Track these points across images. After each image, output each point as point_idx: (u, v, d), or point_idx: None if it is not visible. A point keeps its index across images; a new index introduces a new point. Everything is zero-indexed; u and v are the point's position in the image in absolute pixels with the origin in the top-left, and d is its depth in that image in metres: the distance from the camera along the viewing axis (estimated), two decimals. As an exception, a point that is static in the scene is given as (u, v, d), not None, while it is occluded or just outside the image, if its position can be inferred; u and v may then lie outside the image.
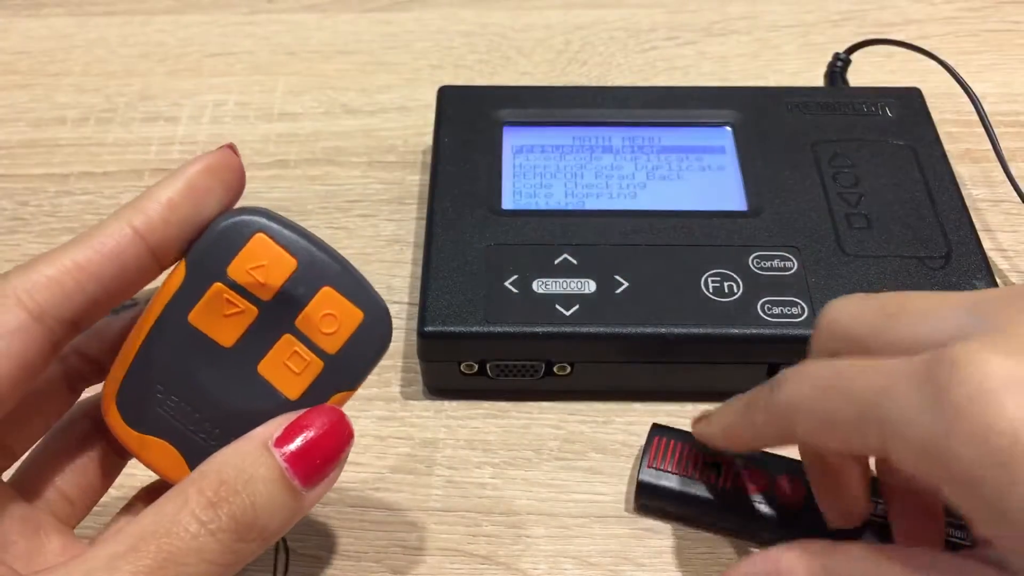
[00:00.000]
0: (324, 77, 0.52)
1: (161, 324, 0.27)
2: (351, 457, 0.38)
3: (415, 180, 0.47)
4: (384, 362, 0.41)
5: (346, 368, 0.28)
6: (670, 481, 0.35)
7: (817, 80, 0.50)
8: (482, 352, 0.38)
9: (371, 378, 0.40)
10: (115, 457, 0.30)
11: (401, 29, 0.54)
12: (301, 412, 0.26)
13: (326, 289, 0.27)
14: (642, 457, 0.35)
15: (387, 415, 0.40)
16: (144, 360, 0.27)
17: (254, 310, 0.27)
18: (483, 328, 0.37)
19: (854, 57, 0.49)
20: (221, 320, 0.27)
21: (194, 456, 0.27)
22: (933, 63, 0.47)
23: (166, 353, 0.27)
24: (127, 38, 0.54)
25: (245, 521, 0.25)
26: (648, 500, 0.35)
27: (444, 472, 0.38)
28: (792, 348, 0.32)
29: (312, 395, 0.27)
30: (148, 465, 0.28)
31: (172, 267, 0.27)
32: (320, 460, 0.26)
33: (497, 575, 0.35)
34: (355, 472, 0.38)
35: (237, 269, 0.27)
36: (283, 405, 0.27)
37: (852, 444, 0.25)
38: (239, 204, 0.28)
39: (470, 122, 0.44)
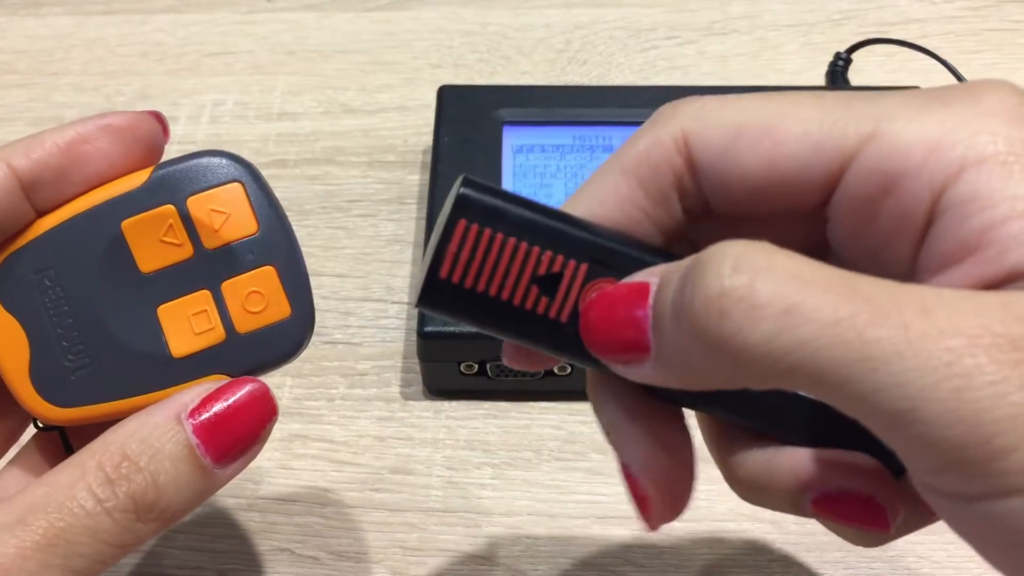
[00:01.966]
0: (323, 76, 0.52)
1: (92, 214, 0.25)
2: (351, 457, 0.38)
3: (415, 180, 0.47)
4: (384, 362, 0.41)
5: (243, 355, 0.26)
6: (472, 306, 0.22)
7: (818, 80, 0.50)
8: (482, 352, 0.38)
9: (371, 378, 0.41)
10: (14, 422, 0.28)
11: (401, 28, 0.54)
12: (223, 383, 0.25)
13: (270, 269, 0.26)
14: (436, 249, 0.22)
15: (387, 415, 0.39)
16: (54, 239, 0.26)
17: (190, 251, 0.26)
18: (483, 328, 0.37)
19: (855, 56, 0.49)
20: (153, 243, 0.26)
21: (41, 358, 0.25)
22: (934, 62, 0.47)
23: (80, 244, 0.25)
24: (126, 37, 0.53)
25: (145, 501, 0.23)
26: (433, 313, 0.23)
27: (444, 472, 0.38)
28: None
29: (195, 363, 0.26)
30: None
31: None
32: (236, 437, 0.24)
33: (497, 576, 0.35)
34: (355, 472, 0.38)
35: (198, 204, 0.26)
36: (161, 358, 0.26)
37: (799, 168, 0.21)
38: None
39: (470, 122, 0.44)
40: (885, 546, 0.35)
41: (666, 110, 0.23)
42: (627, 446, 0.23)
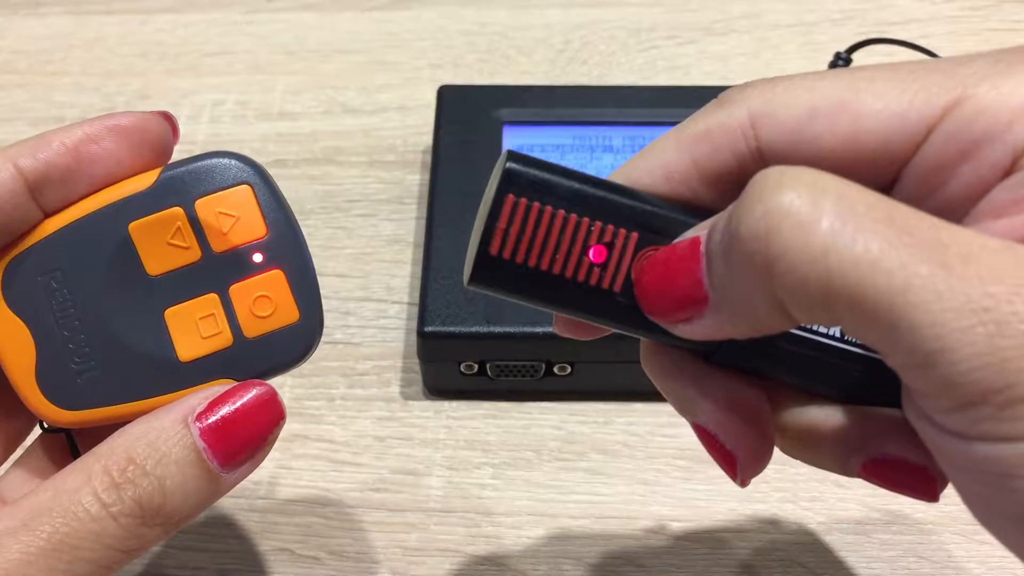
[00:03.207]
0: (323, 76, 0.52)
1: (100, 216, 0.25)
2: (350, 458, 0.38)
3: (415, 180, 0.47)
4: (384, 362, 0.41)
5: (251, 360, 0.26)
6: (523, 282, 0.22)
7: (818, 79, 0.50)
8: (482, 352, 0.38)
9: (371, 378, 0.41)
10: (18, 424, 0.28)
11: (401, 28, 0.54)
12: (230, 386, 0.25)
13: (278, 272, 0.26)
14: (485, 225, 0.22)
15: (387, 415, 0.39)
16: (61, 241, 0.25)
17: (198, 254, 0.25)
18: (483, 328, 0.37)
19: (855, 56, 0.49)
20: (161, 246, 0.25)
21: (47, 361, 0.25)
22: (934, 62, 0.46)
23: (87, 246, 0.25)
24: (126, 37, 0.53)
25: (152, 506, 0.23)
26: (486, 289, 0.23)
27: (444, 473, 0.38)
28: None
29: (202, 367, 0.25)
30: None
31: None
32: (244, 441, 0.24)
33: (497, 576, 0.35)
34: (355, 472, 0.38)
35: (206, 206, 0.25)
36: (168, 362, 0.25)
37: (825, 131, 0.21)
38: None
39: (470, 122, 0.44)
40: (885, 546, 0.35)
41: (733, 92, 0.23)
42: (697, 408, 0.23)
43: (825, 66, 0.50)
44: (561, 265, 0.22)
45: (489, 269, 0.22)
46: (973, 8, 0.54)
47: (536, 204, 0.22)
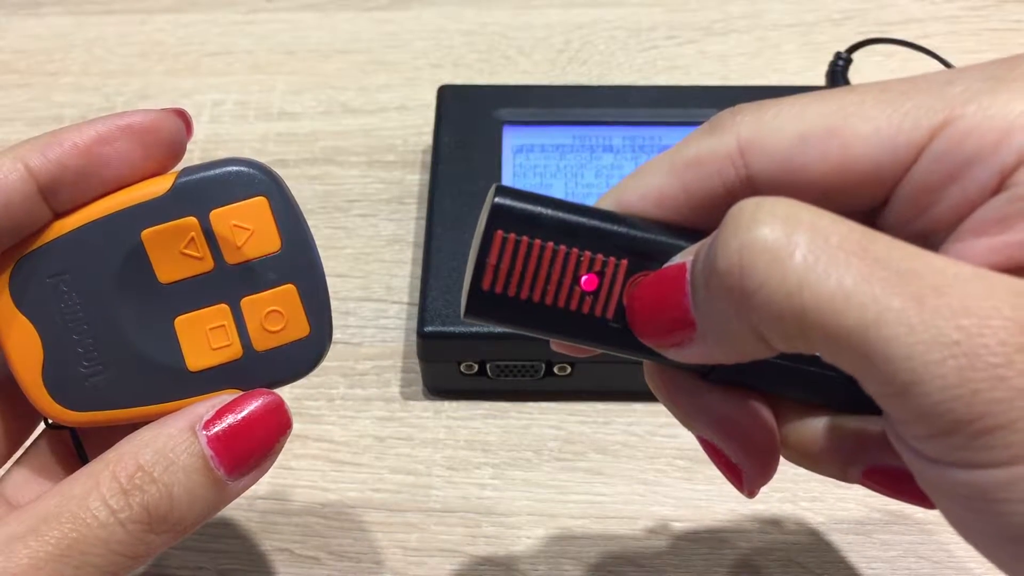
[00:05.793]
0: (323, 76, 0.52)
1: (112, 221, 0.25)
2: (350, 458, 0.38)
3: (415, 180, 0.47)
4: (384, 362, 0.41)
5: (259, 372, 0.26)
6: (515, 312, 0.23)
7: (818, 79, 0.50)
8: (482, 352, 0.38)
9: (371, 378, 0.41)
10: (21, 423, 0.28)
11: (401, 28, 0.54)
12: (237, 395, 0.25)
13: (291, 287, 0.26)
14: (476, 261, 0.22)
15: (387, 415, 0.39)
16: (71, 244, 0.25)
17: (210, 264, 0.25)
18: (483, 328, 0.37)
19: (855, 56, 0.49)
20: (173, 254, 0.25)
21: (54, 362, 0.25)
22: (935, 62, 0.47)
23: (98, 250, 0.25)
24: (125, 37, 0.53)
25: (159, 512, 0.23)
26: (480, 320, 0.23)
27: (444, 473, 0.38)
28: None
29: (210, 377, 0.25)
30: (2, 342, 0.25)
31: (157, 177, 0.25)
32: (250, 449, 0.24)
33: (497, 576, 0.35)
34: (355, 472, 0.38)
35: (221, 218, 0.25)
36: (176, 370, 0.25)
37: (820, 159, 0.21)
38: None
39: (470, 121, 0.44)
40: (885, 546, 0.35)
41: (725, 118, 0.23)
42: (699, 423, 0.24)
43: (825, 66, 0.50)
44: (553, 296, 0.22)
45: (483, 303, 0.22)
46: (973, 8, 0.54)
47: (525, 238, 0.22)
